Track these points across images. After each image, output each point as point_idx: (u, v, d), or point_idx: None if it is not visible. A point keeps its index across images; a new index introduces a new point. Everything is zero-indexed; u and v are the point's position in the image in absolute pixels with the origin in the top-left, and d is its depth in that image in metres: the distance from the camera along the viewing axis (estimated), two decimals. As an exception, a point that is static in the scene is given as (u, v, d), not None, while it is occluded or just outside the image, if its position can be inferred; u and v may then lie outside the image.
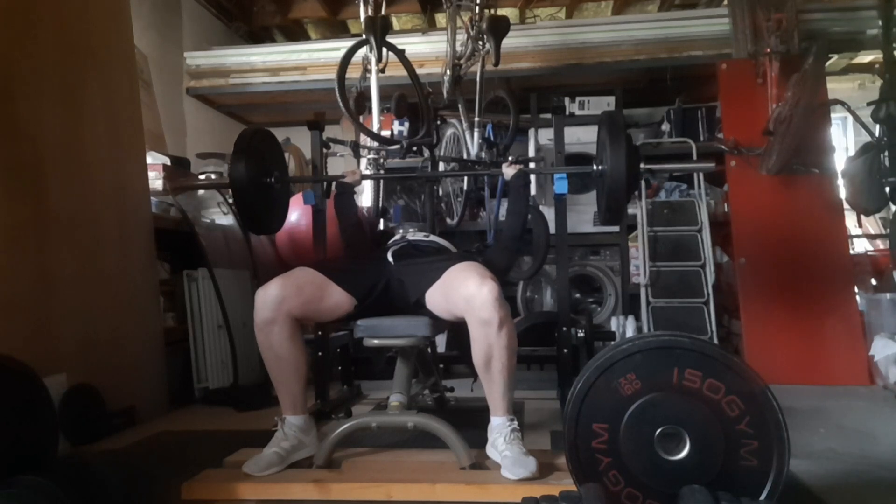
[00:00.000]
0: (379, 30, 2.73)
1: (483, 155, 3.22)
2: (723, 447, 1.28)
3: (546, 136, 3.94)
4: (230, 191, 2.25)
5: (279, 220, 2.51)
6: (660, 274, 3.65)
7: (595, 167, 2.21)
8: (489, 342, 1.70)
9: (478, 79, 3.22)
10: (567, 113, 3.97)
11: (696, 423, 1.29)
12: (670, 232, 3.72)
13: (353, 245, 2.37)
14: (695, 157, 3.89)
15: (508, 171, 2.28)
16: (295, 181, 2.47)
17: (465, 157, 3.27)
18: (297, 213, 3.14)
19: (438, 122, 3.32)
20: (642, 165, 2.16)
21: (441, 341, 3.35)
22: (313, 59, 4.27)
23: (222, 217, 3.54)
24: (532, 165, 3.64)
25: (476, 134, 3.24)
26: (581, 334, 2.57)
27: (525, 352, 2.74)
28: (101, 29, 2.67)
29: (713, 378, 1.29)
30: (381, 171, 3.23)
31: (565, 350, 2.45)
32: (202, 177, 3.85)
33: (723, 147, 3.62)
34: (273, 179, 2.32)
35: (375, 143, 3.04)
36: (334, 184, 2.52)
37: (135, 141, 2.85)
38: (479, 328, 1.71)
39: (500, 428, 1.75)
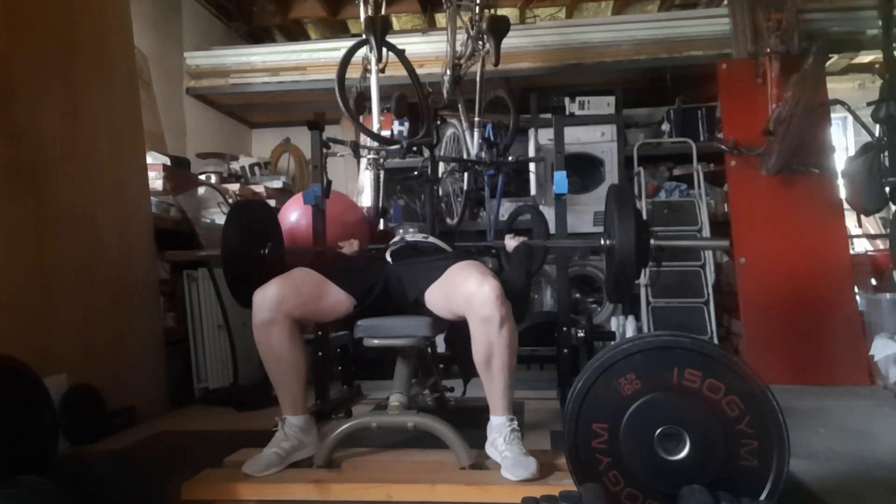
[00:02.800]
0: (379, 30, 2.72)
1: (483, 155, 3.22)
2: (723, 447, 1.28)
3: (546, 136, 3.94)
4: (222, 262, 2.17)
5: None
6: (660, 274, 3.65)
7: (603, 241, 2.11)
8: (490, 340, 1.71)
9: (478, 79, 3.22)
10: (567, 113, 3.96)
11: (696, 423, 1.29)
12: (670, 232, 3.71)
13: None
14: (695, 157, 3.89)
15: (511, 243, 2.25)
16: (291, 252, 2.41)
17: (465, 157, 3.27)
18: (297, 213, 3.14)
19: (438, 122, 3.31)
20: (652, 241, 2.03)
21: (441, 341, 3.34)
22: (313, 59, 4.26)
23: (222, 217, 3.54)
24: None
25: (476, 134, 3.23)
26: (581, 334, 2.57)
27: (525, 352, 2.74)
28: (101, 29, 2.66)
29: (713, 378, 1.29)
30: (381, 171, 3.23)
31: (565, 350, 2.45)
32: (202, 177, 3.86)
33: (723, 147, 3.62)
34: (266, 251, 2.24)
35: (375, 143, 3.03)
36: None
37: (135, 141, 2.85)
38: (480, 326, 1.71)
39: (499, 427, 1.75)
